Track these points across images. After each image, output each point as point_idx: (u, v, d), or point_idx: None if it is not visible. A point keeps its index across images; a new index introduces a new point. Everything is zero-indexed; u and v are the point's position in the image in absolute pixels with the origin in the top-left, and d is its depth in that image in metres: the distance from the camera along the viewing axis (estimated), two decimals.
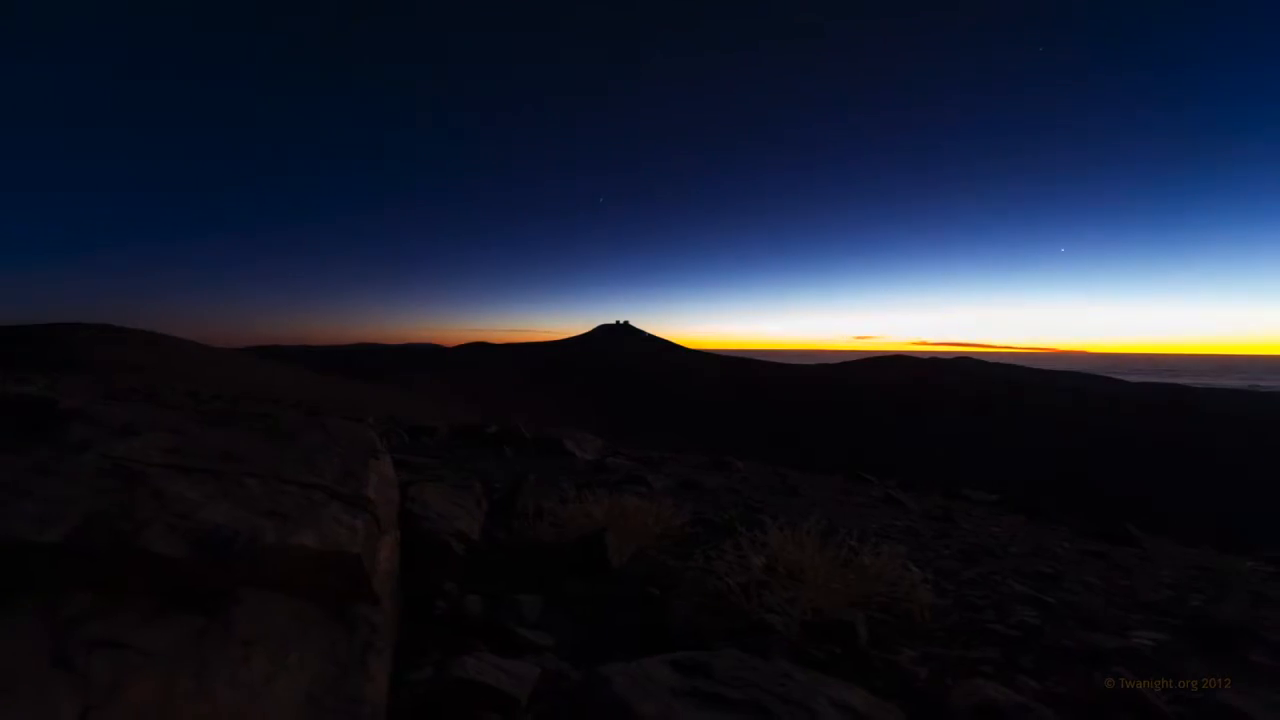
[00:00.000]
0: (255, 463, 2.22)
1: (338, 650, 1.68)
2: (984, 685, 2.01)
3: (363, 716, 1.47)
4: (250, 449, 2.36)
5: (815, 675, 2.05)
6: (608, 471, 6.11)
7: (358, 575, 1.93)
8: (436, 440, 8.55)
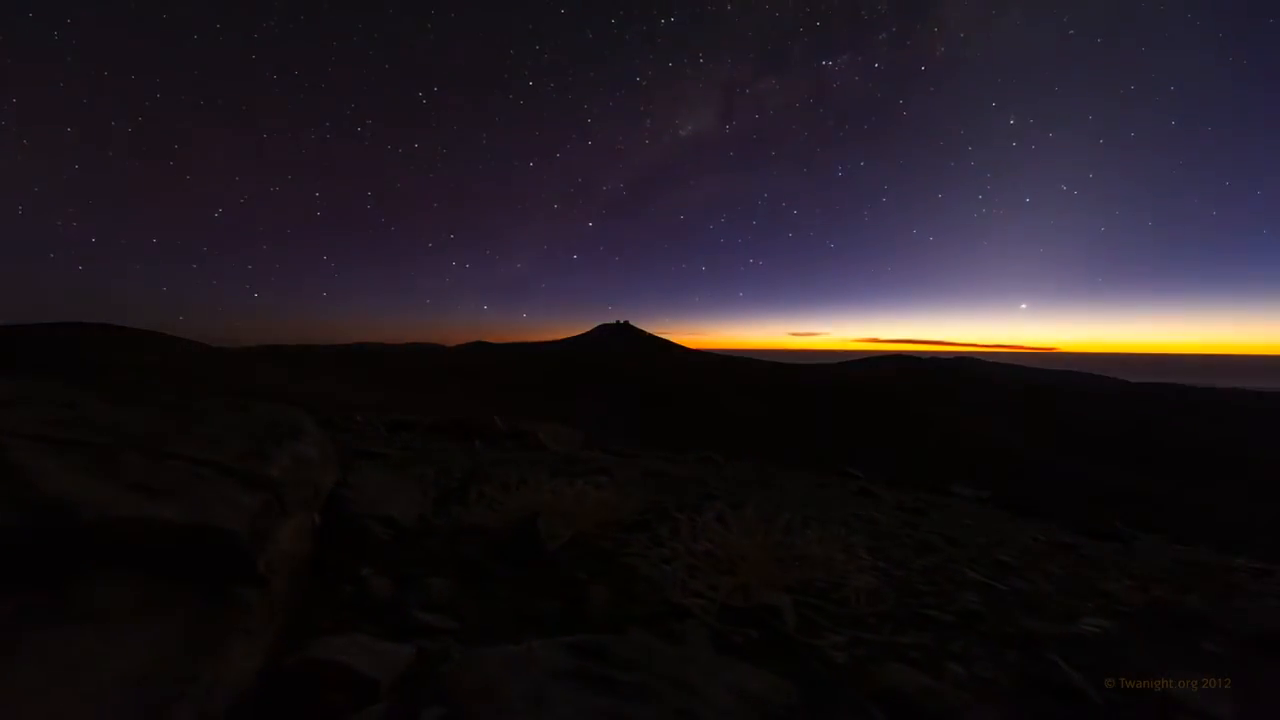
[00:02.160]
0: (146, 438, 2.13)
1: (196, 631, 1.58)
2: (900, 670, 1.91)
3: (197, 698, 1.38)
4: (147, 425, 2.28)
5: (721, 659, 1.95)
6: (578, 463, 6.01)
7: (237, 554, 1.84)
8: (414, 434, 8.47)
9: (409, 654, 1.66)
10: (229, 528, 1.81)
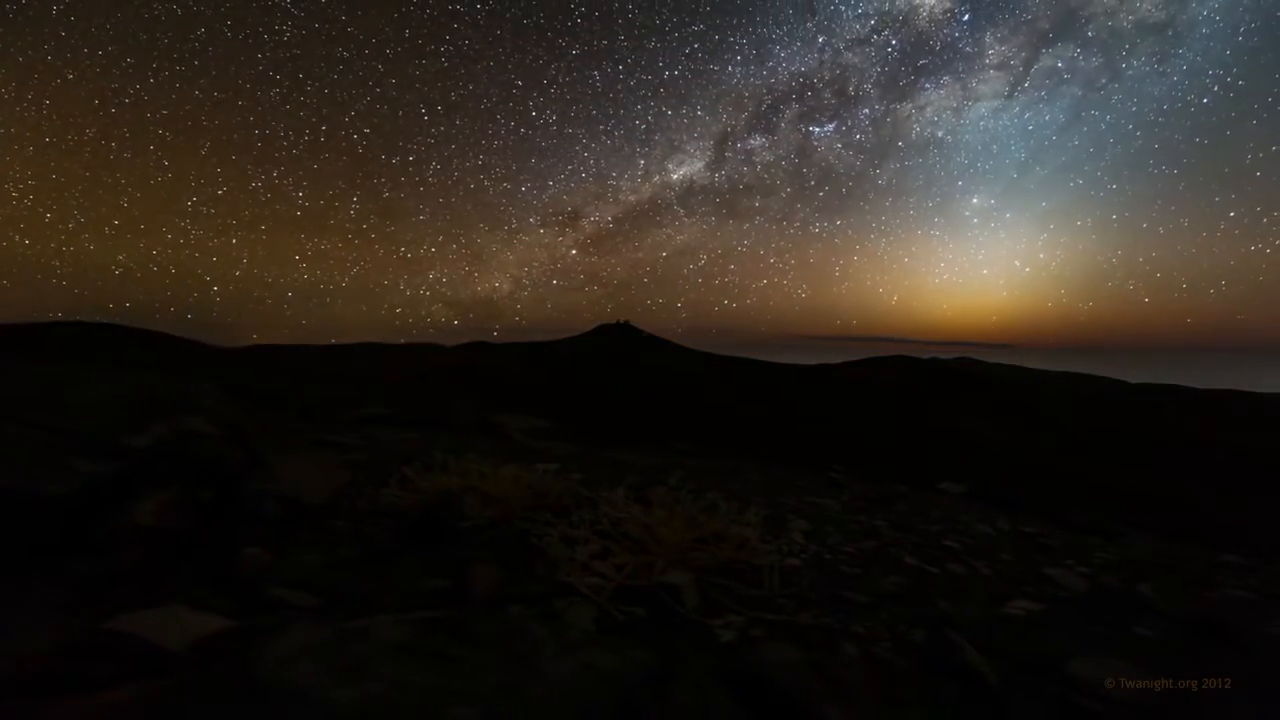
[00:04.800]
0: None
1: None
2: (779, 649, 1.78)
3: None
4: (5, 393, 2.16)
5: (590, 638, 1.83)
6: (534, 452, 5.89)
7: (64, 523, 1.72)
8: (383, 425, 8.36)
9: (223, 626, 1.54)
10: (50, 494, 1.69)
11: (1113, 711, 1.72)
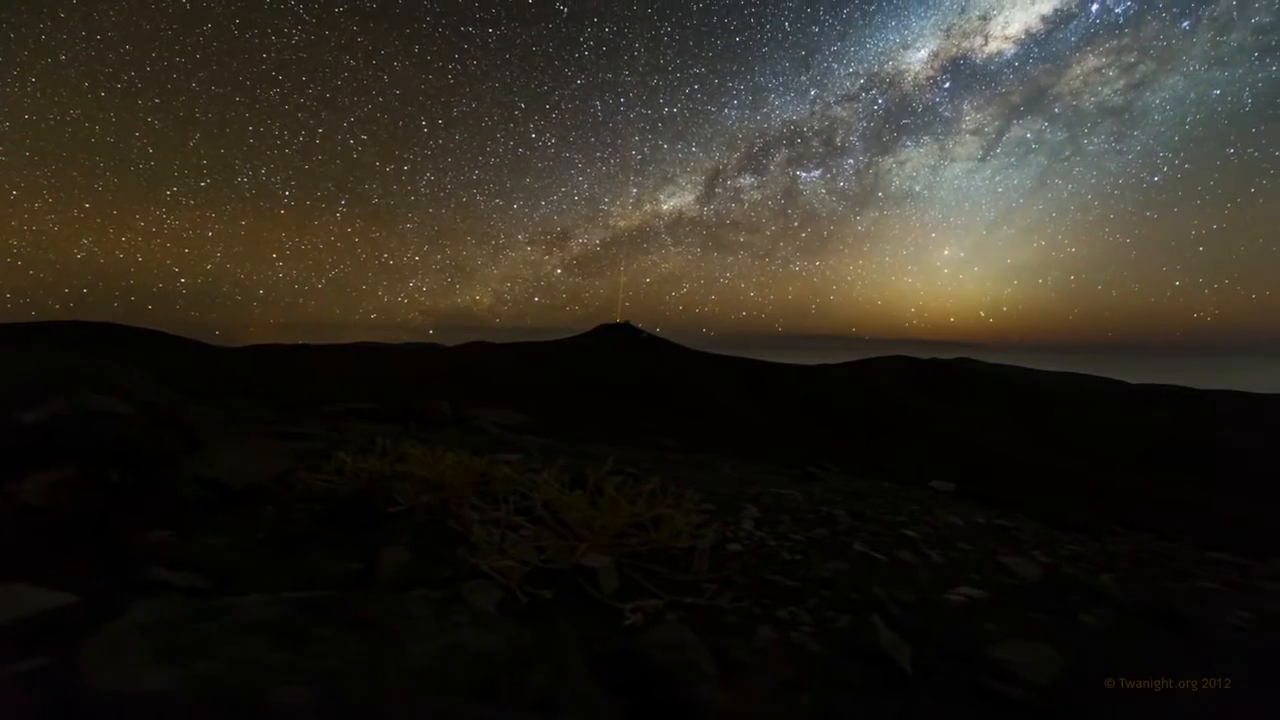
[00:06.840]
0: None
1: None
2: (675, 630, 1.69)
3: None
4: None
5: (478, 619, 1.73)
6: (504, 446, 5.80)
7: None
8: (358, 419, 8.28)
9: (64, 603, 1.44)
10: None
11: (1030, 696, 1.62)
